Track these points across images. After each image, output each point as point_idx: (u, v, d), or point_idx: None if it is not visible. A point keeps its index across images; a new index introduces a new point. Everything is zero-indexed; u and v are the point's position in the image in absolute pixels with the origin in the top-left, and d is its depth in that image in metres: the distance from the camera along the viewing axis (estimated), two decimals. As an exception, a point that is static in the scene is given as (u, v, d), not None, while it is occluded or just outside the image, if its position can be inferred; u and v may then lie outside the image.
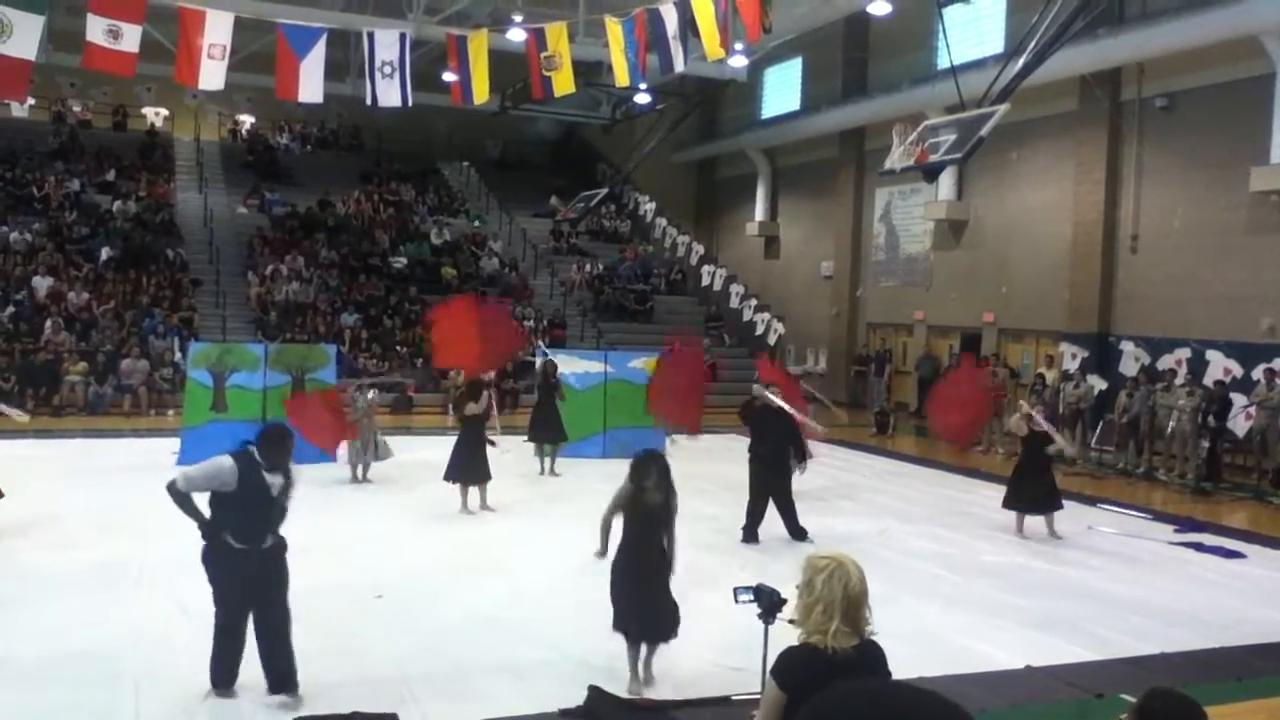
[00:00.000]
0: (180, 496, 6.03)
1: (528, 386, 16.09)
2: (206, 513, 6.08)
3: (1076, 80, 18.87)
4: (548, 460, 14.66)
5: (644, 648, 6.62)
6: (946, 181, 21.91)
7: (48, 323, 20.97)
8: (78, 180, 26.98)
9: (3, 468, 13.24)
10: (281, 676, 6.15)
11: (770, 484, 10.73)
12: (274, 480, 6.21)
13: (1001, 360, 20.26)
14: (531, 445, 14.88)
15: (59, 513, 10.83)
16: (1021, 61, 13.96)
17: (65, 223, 25.04)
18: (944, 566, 9.94)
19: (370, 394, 14.06)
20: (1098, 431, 17.67)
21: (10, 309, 21.45)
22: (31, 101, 28.42)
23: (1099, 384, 17.96)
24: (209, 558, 6.09)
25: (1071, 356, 19.15)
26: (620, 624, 6.57)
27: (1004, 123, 13.66)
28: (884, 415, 20.60)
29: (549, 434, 14.75)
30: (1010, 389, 19.30)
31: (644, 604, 6.53)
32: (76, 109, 30.87)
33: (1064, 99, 19.50)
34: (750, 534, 10.62)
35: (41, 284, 22.27)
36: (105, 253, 23.95)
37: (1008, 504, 11.48)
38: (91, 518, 10.69)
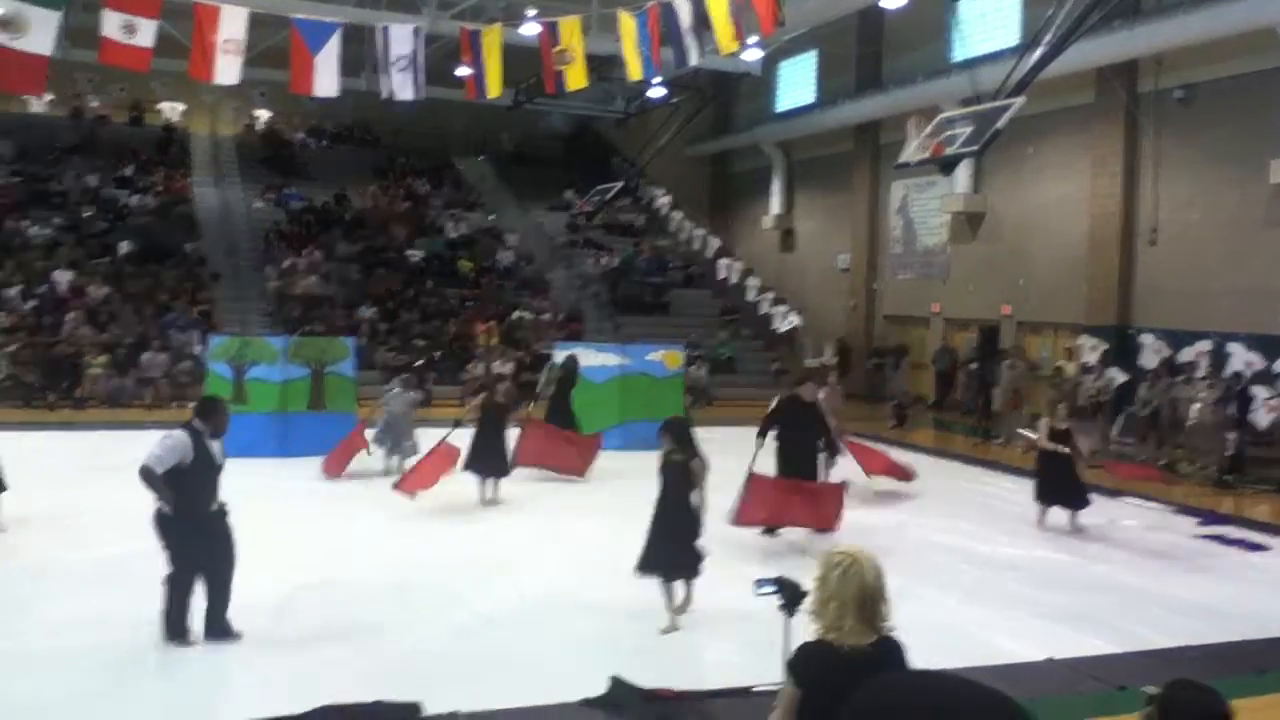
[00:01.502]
0: (153, 477, 6.60)
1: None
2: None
3: (1093, 73, 18.75)
4: None
5: (671, 586, 7.56)
6: (963, 174, 21.82)
7: (69, 316, 21.11)
8: (96, 175, 27.13)
9: (25, 460, 13.39)
10: (226, 624, 6.98)
11: (795, 472, 10.72)
12: (216, 448, 6.92)
13: (1021, 353, 20.18)
14: None
15: (80, 505, 10.91)
16: (1037, 54, 13.87)
17: (84, 218, 25.19)
18: (963, 559, 9.93)
19: (411, 393, 14.09)
20: (1118, 424, 17.58)
21: (32, 303, 21.61)
22: (50, 97, 28.64)
23: (1119, 376, 17.86)
24: (170, 526, 6.72)
25: (1091, 349, 19.05)
26: (643, 566, 7.59)
27: (1020, 116, 13.58)
28: (901, 408, 20.55)
29: (564, 428, 14.77)
30: (1029, 382, 19.26)
31: (662, 548, 7.55)
32: (94, 104, 31.03)
33: (1080, 91, 19.37)
34: (772, 528, 10.62)
35: (62, 278, 22.42)
36: (124, 247, 24.09)
37: (1039, 497, 11.45)
38: (112, 511, 10.73)
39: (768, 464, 10.83)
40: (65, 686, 6.14)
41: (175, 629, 6.84)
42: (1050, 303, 20.59)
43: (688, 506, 7.62)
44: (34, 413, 18.34)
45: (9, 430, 15.90)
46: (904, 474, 13.14)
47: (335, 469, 13.43)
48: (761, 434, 10.68)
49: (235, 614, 7.37)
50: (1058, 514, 11.41)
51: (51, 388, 19.40)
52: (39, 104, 29.45)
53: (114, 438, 15.67)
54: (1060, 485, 11.32)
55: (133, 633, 7.00)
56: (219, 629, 6.97)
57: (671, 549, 7.60)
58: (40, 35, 13.19)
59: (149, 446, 6.77)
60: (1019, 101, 13.31)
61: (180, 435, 6.80)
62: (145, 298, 22.63)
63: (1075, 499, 11.34)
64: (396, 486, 11.52)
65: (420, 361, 18.46)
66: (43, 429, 16.36)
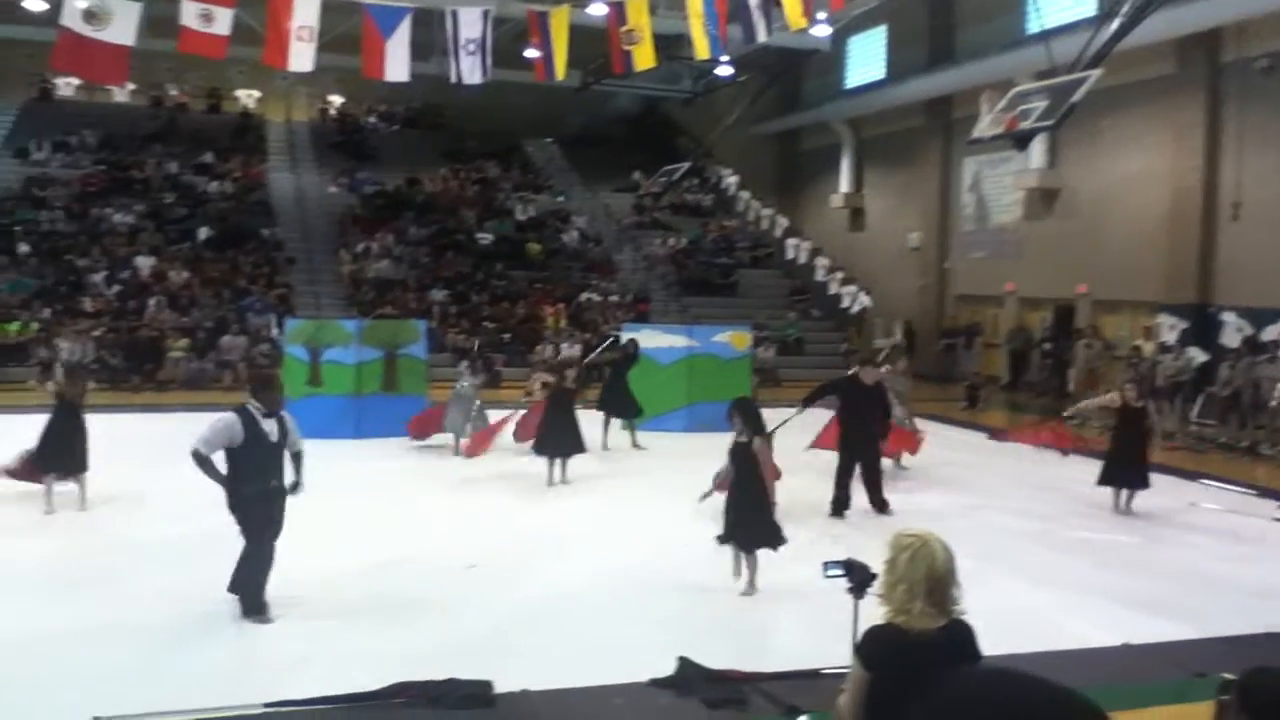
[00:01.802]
0: (203, 460, 6.80)
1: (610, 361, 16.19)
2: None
3: (1173, 43, 18.24)
4: (625, 435, 14.71)
5: (742, 556, 7.92)
6: (1037, 150, 21.38)
7: (151, 301, 21.72)
8: (175, 162, 27.80)
9: (111, 441, 13.82)
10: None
11: (859, 455, 10.69)
12: (270, 427, 7.01)
13: (1097, 332, 19.79)
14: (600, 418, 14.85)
15: (162, 485, 11.22)
16: (1115, 24, 13.56)
17: (165, 204, 25.85)
18: (1036, 542, 9.80)
19: (478, 377, 14.26)
20: (1198, 405, 17.16)
21: (116, 288, 22.26)
22: (132, 87, 29.38)
23: (1199, 356, 17.43)
24: (237, 506, 6.94)
25: (1169, 328, 18.62)
26: (724, 536, 8.04)
27: (1097, 88, 13.31)
28: (973, 389, 20.28)
29: (620, 409, 14.82)
30: (1105, 362, 18.89)
31: (738, 521, 7.90)
32: (173, 93, 31.77)
33: (1160, 62, 18.85)
34: (838, 507, 10.60)
35: (144, 264, 23.06)
36: (203, 233, 24.69)
37: (1103, 480, 11.27)
38: (191, 490, 11.05)
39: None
40: (142, 657, 6.36)
41: (254, 604, 7.05)
42: (1128, 280, 20.13)
43: (760, 485, 7.90)
44: (119, 395, 18.91)
45: (95, 413, 16.45)
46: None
47: (478, 449, 13.60)
48: (806, 403, 10.87)
49: (312, 590, 7.61)
50: (1109, 492, 11.22)
51: (135, 371, 19.99)
52: (121, 93, 30.23)
53: (195, 419, 16.08)
54: (1125, 466, 11.12)
55: (209, 606, 7.22)
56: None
57: (748, 522, 7.90)
58: (122, 26, 13.58)
59: (204, 429, 6.96)
60: (1096, 74, 13.03)
61: (228, 417, 6.94)
62: (223, 282, 23.17)
63: (1137, 480, 11.13)
64: (465, 452, 11.98)
65: (475, 345, 18.57)
66: (127, 411, 16.86)
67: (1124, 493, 11.21)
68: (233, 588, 7.11)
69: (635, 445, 14.64)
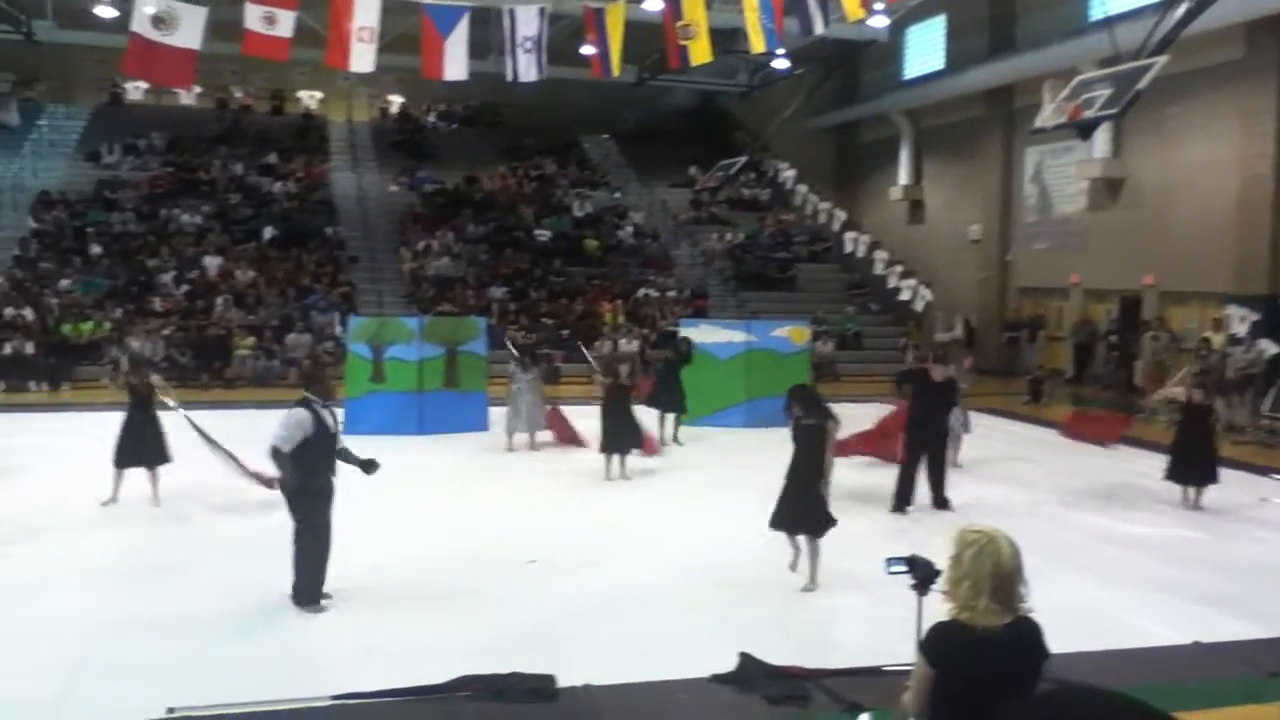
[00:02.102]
0: (281, 456, 7.01)
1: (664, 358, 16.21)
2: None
3: (1242, 27, 17.80)
4: (668, 430, 14.69)
5: (802, 547, 7.99)
6: (1101, 138, 20.97)
7: (218, 300, 22.18)
8: (240, 164, 28.34)
9: (184, 438, 14.15)
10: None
11: (925, 450, 10.62)
12: (329, 418, 7.27)
13: (1164, 325, 19.40)
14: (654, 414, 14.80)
15: (231, 480, 11.47)
16: (1182, 9, 13.25)
17: (230, 204, 26.36)
18: (1103, 539, 9.65)
19: (529, 372, 14.34)
20: (1269, 398, 16.75)
21: (185, 288, 22.77)
22: (197, 89, 29.98)
23: (1270, 348, 17.00)
24: (304, 498, 7.11)
25: (1240, 320, 18.18)
26: (774, 522, 8.07)
27: (1163, 75, 13.01)
28: (1037, 383, 19.98)
29: (667, 404, 14.81)
30: (1173, 354, 18.52)
31: (793, 506, 7.96)
32: (238, 95, 32.38)
33: (1228, 47, 18.41)
34: (900, 501, 10.54)
35: (211, 263, 23.55)
36: (268, 232, 25.15)
37: (1170, 476, 11.08)
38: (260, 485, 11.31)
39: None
40: (211, 649, 6.51)
41: (310, 595, 7.23)
42: (1196, 271, 19.69)
43: (820, 467, 7.97)
44: (188, 392, 19.24)
45: (166, 410, 16.85)
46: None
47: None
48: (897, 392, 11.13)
49: (375, 583, 7.77)
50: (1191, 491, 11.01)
51: (204, 368, 20.43)
52: (188, 96, 30.90)
53: (261, 416, 16.42)
54: (1193, 462, 10.92)
55: (275, 599, 7.37)
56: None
57: (799, 505, 7.98)
58: (189, 30, 13.90)
59: (279, 429, 7.11)
60: (1162, 60, 12.76)
61: (299, 412, 7.14)
62: (288, 281, 23.58)
63: (1204, 476, 10.93)
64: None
65: (523, 341, 18.57)
66: (196, 408, 17.19)
67: (1192, 489, 11.01)
68: (299, 581, 7.29)
69: (675, 440, 14.61)
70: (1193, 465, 10.94)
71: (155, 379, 10.88)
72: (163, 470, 10.55)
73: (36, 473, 11.80)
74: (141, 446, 10.42)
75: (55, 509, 10.03)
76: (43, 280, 22.20)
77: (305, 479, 7.12)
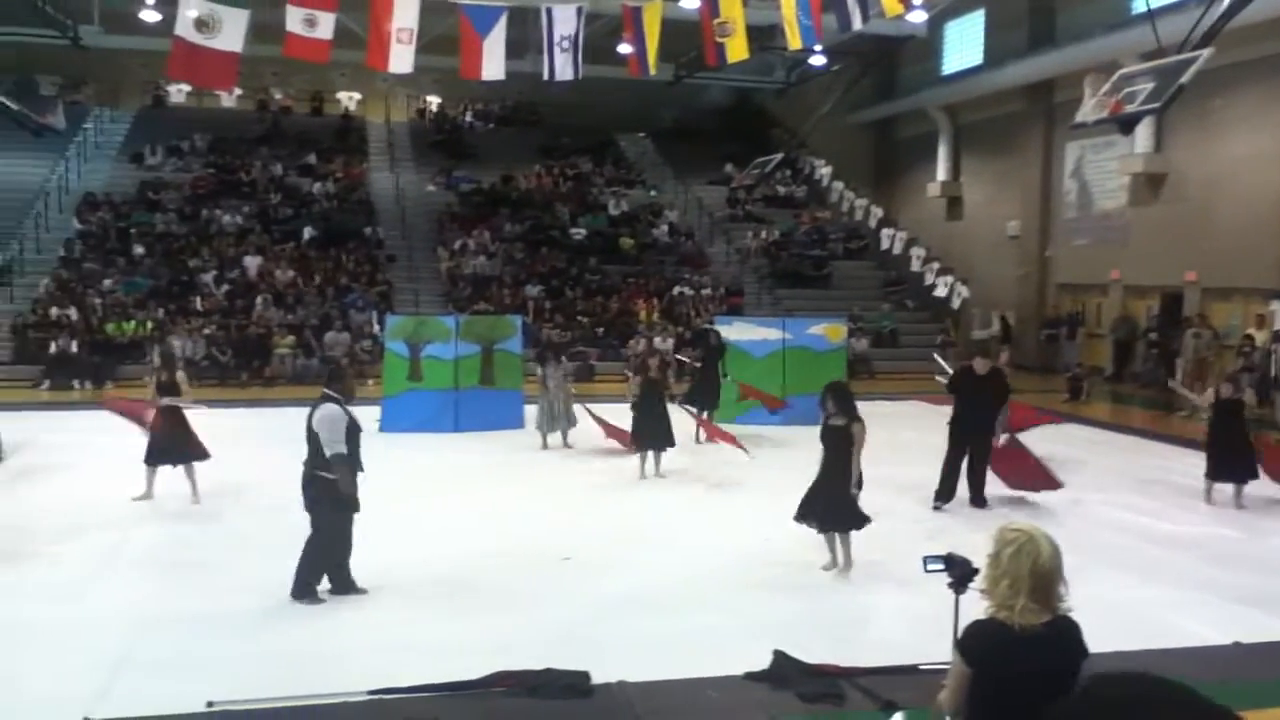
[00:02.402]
0: (344, 457, 7.13)
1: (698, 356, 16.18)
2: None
3: (1290, 18, 17.49)
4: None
5: (836, 539, 8.14)
6: (1143, 133, 20.69)
7: (258, 299, 22.43)
8: (280, 164, 28.62)
9: (222, 435, 14.31)
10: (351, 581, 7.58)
11: (968, 446, 10.55)
12: (354, 413, 7.39)
13: (1206, 321, 19.11)
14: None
15: (272, 477, 11.60)
16: (1226, 1, 13.03)
17: (271, 205, 26.65)
18: (1142, 538, 9.54)
19: (558, 371, 14.34)
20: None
21: (225, 287, 23.05)
22: (239, 91, 30.34)
23: (1317, 345, 16.72)
24: (339, 495, 7.18)
25: (1285, 316, 17.89)
26: (800, 514, 8.20)
27: (1206, 68, 12.79)
28: (1076, 380, 19.76)
29: (700, 400, 14.74)
30: (1215, 351, 18.24)
31: (822, 502, 8.08)
32: (278, 96, 32.72)
33: (1274, 40, 18.10)
34: (942, 497, 10.47)
35: (252, 263, 23.82)
36: (307, 232, 25.39)
37: (1210, 474, 10.95)
38: (296, 481, 11.41)
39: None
40: (250, 644, 6.60)
41: (309, 590, 7.36)
42: (1240, 267, 19.39)
43: (848, 468, 8.03)
44: (228, 390, 19.58)
45: (206, 408, 17.05)
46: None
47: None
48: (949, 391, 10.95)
49: (411, 579, 7.85)
50: (1226, 490, 10.87)
51: (244, 367, 20.67)
52: (229, 98, 31.24)
53: (300, 415, 16.57)
54: (1229, 459, 10.80)
55: (324, 588, 7.48)
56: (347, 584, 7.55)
57: (828, 501, 8.10)
58: (231, 33, 14.05)
59: (327, 434, 7.16)
60: (1206, 53, 12.55)
61: (333, 410, 7.24)
62: (327, 280, 23.80)
63: (1242, 473, 10.80)
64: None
65: (556, 340, 18.56)
66: (236, 406, 17.46)
67: (1233, 487, 10.88)
68: (329, 579, 7.42)
69: (696, 439, 14.46)
70: (1229, 462, 10.82)
71: (180, 376, 10.88)
72: (201, 467, 10.64)
73: (79, 470, 12.00)
74: (171, 444, 10.50)
75: (96, 507, 10.18)
76: (87, 280, 22.55)
77: (351, 479, 7.25)
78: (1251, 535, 9.73)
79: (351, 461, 7.29)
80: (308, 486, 7.36)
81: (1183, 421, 16.35)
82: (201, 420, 11.13)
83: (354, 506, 7.32)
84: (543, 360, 14.40)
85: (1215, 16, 13.03)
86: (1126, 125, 14.86)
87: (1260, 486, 10.93)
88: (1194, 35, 13.07)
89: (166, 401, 10.52)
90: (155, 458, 10.50)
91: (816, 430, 8.50)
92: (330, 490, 7.21)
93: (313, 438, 7.25)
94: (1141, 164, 21.40)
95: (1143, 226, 21.96)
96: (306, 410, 7.56)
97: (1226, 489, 10.93)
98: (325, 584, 7.49)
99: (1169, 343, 19.97)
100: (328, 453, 7.13)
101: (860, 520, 8.10)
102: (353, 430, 7.30)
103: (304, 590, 7.35)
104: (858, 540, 8.29)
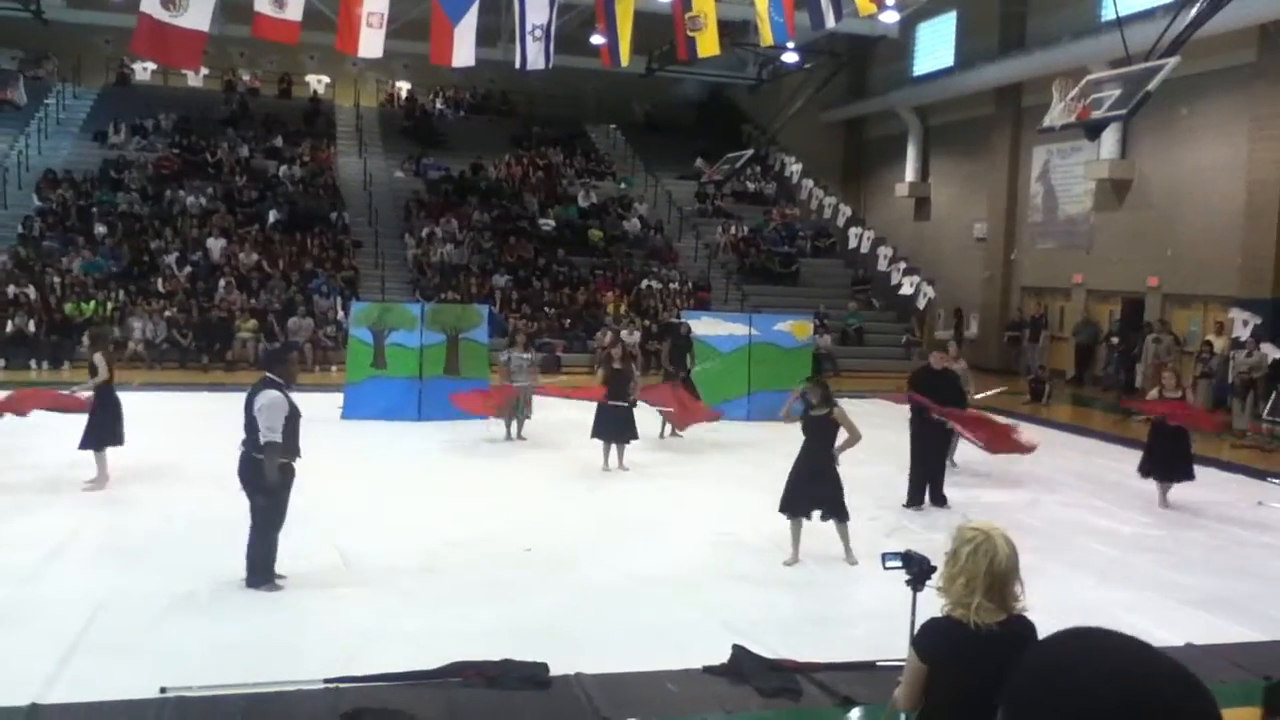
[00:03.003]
0: (277, 447, 7.03)
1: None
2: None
3: (1255, 30, 17.72)
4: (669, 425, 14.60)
5: (802, 528, 8.35)
6: (1110, 139, 20.94)
7: (221, 282, 22.18)
8: (247, 146, 28.31)
9: (182, 419, 14.17)
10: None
11: (927, 445, 10.63)
12: (294, 399, 7.30)
13: (1166, 327, 19.37)
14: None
15: (232, 463, 11.47)
16: (1194, 11, 13.19)
17: (236, 187, 26.35)
18: (1099, 539, 9.65)
19: (528, 354, 14.30)
20: (1270, 403, 16.73)
21: (188, 269, 22.76)
22: (205, 72, 29.95)
23: (1273, 353, 16.97)
24: (277, 481, 7.12)
25: (1243, 324, 18.13)
26: (784, 507, 8.37)
27: (1173, 76, 12.98)
28: (1039, 383, 19.95)
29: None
30: (1175, 357, 18.48)
31: (814, 491, 8.31)
32: (246, 78, 32.34)
33: (1240, 50, 18.34)
34: (914, 499, 10.55)
35: (215, 245, 23.54)
36: (273, 216, 25.12)
37: (1143, 473, 11.06)
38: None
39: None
40: (205, 631, 6.52)
41: (266, 575, 7.27)
42: (1201, 274, 19.66)
43: (831, 456, 8.38)
44: (188, 374, 19.37)
45: (167, 390, 16.87)
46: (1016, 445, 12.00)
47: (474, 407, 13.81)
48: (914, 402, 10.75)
49: (371, 570, 7.79)
50: (1177, 490, 11.01)
51: (205, 350, 20.43)
52: (195, 78, 30.82)
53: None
54: (1166, 458, 10.90)
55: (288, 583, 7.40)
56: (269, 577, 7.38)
57: (822, 490, 8.33)
58: (198, 12, 13.84)
59: (266, 421, 7.05)
60: (1173, 62, 12.71)
61: (274, 395, 7.12)
62: (292, 265, 23.57)
63: (1178, 473, 10.89)
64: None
65: (516, 327, 18.35)
66: (196, 390, 17.28)
67: (1165, 486, 11.01)
68: (257, 563, 7.29)
69: (674, 433, 14.46)
70: (1166, 462, 10.91)
71: (97, 358, 10.40)
72: (161, 450, 10.50)
73: (34, 453, 11.80)
74: (113, 425, 10.28)
75: (51, 490, 10.05)
76: (46, 259, 22.20)
77: (289, 457, 7.18)
78: (1213, 539, 9.85)
79: (288, 449, 7.19)
80: (243, 469, 7.25)
81: (1140, 425, 16.55)
82: (162, 404, 10.98)
83: (276, 493, 7.21)
84: (512, 344, 14.33)
85: (1182, 26, 13.19)
86: (1093, 131, 15.06)
87: (1224, 493, 11.04)
88: (1161, 44, 13.23)
89: (78, 388, 10.33)
90: (97, 442, 10.28)
91: (780, 426, 8.54)
92: (263, 474, 7.14)
93: (250, 422, 7.12)
94: (1107, 170, 21.63)
95: (1107, 231, 22.21)
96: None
97: (1184, 493, 11.02)
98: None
99: (1130, 347, 20.21)
100: (262, 440, 7.03)
101: (843, 505, 8.45)
102: (293, 417, 7.20)
103: (259, 577, 7.26)
104: (816, 538, 8.34)
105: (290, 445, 7.21)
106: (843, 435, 8.45)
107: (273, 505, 7.22)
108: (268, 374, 7.33)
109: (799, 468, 8.45)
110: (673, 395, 13.86)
